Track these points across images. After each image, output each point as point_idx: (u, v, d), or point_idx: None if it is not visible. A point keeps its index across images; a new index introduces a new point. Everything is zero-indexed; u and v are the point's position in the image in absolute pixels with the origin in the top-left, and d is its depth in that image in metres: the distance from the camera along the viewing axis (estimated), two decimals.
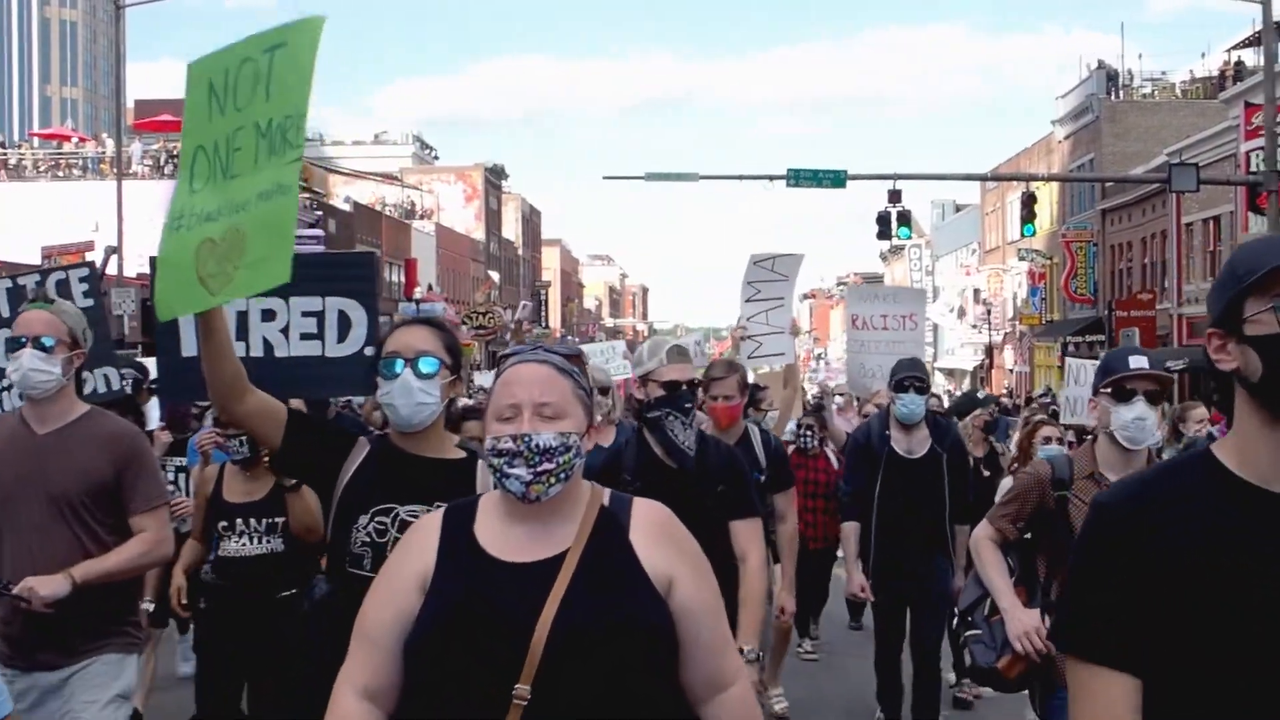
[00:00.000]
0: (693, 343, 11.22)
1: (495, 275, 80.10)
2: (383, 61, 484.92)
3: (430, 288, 59.29)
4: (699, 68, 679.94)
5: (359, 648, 2.82)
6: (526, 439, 2.74)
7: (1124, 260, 50.15)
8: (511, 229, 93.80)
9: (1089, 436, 14.59)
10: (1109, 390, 4.81)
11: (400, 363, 3.79)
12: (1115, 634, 2.26)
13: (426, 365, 3.80)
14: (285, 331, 5.05)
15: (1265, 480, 2.27)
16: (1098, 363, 11.84)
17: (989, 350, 65.79)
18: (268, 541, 6.55)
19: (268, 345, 5.05)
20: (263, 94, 3.52)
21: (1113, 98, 53.91)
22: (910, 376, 8.00)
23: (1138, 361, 4.81)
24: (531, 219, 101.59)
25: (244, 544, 6.55)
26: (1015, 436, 10.25)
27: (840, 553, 9.97)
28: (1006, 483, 8.33)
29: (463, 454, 3.94)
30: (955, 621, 5.49)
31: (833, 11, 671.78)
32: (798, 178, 29.91)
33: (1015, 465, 8.65)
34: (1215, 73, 51.84)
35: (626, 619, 2.68)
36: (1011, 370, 63.01)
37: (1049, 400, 35.77)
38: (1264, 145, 28.77)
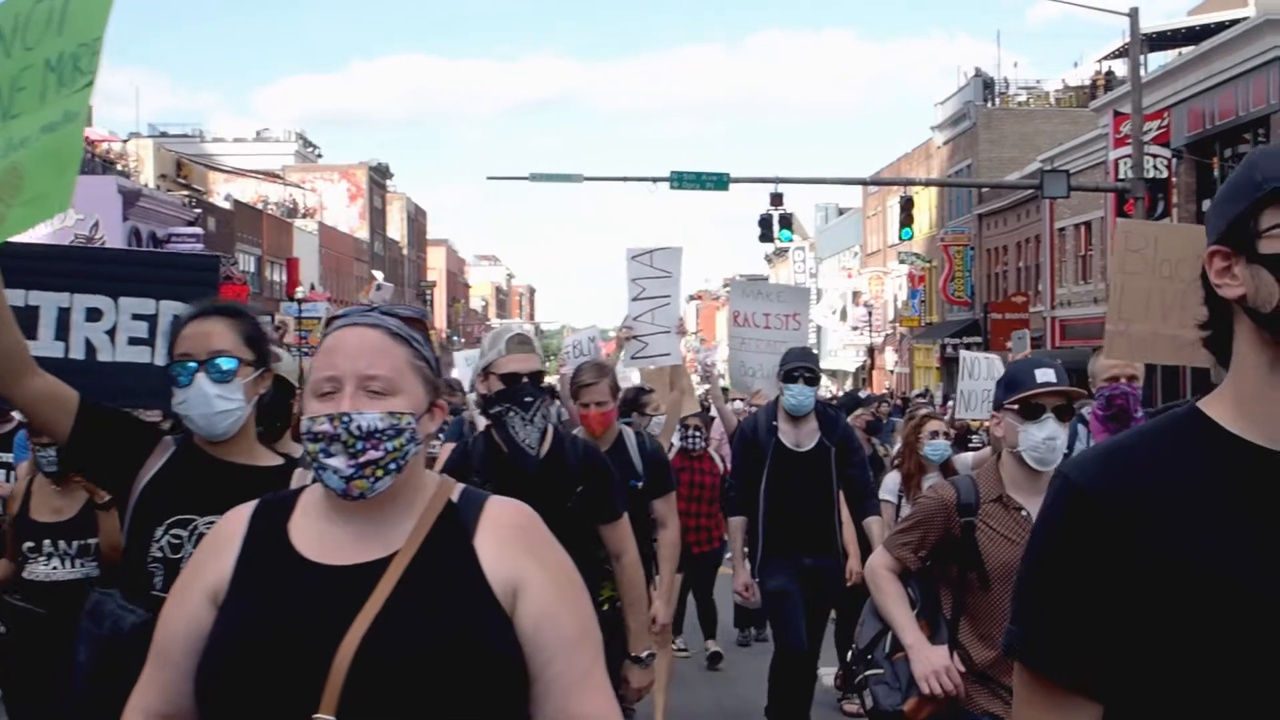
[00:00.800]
0: (586, 339, 10.81)
1: (379, 275, 79.28)
2: (266, 58, 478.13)
3: (313, 287, 58.68)
4: (587, 69, 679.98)
5: (151, 666, 2.39)
6: (346, 420, 2.25)
7: (1000, 264, 51.28)
8: (396, 228, 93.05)
9: (971, 436, 14.48)
10: (1015, 407, 4.39)
11: (192, 366, 3.35)
12: (1095, 650, 1.83)
13: (223, 365, 3.37)
14: (111, 334, 4.42)
15: (1275, 440, 1.82)
16: (991, 357, 11.17)
17: (870, 352, 66.83)
18: (80, 565, 5.87)
19: (90, 348, 4.38)
20: (55, 29, 3.22)
21: (989, 105, 55.12)
22: (800, 367, 7.71)
23: (1045, 375, 4.39)
24: (417, 218, 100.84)
25: (54, 567, 5.86)
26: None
27: (729, 555, 9.69)
28: (890, 479, 8.51)
29: (279, 459, 3.55)
30: (851, 657, 4.93)
31: (722, 15, 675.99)
32: (681, 180, 30.13)
33: (899, 461, 8.56)
34: (1088, 82, 53.24)
35: (453, 637, 2.18)
36: (892, 371, 64.05)
37: (926, 401, 36.59)
38: (1131, 153, 29.66)
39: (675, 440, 10.28)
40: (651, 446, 6.84)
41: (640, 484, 6.54)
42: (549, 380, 10.02)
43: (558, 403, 9.14)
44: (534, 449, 4.96)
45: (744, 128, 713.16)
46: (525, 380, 4.95)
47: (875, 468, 9.77)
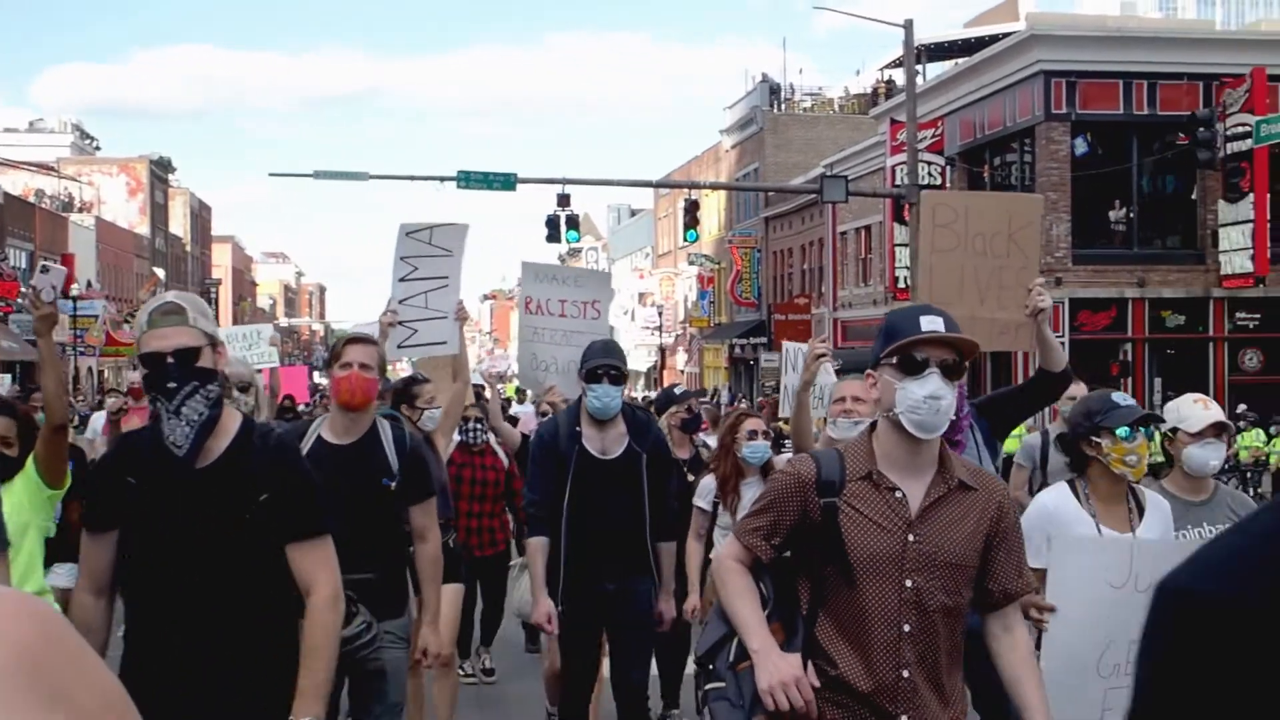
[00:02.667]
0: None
1: (161, 272, 76.89)
2: (40, 45, 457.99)
3: (89, 284, 56.54)
4: (381, 65, 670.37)
5: None
6: None
7: (786, 266, 52.45)
8: (179, 224, 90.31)
9: (785, 441, 13.27)
10: (893, 360, 3.61)
11: None
12: None
13: None
14: None
15: None
16: (802, 347, 9.51)
17: (661, 352, 67.55)
18: None
19: None
20: None
21: (775, 111, 56.33)
22: (604, 364, 6.68)
23: (931, 323, 3.61)
24: (201, 214, 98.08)
25: None
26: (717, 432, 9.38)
27: (514, 561, 9.14)
28: (705, 484, 7.79)
29: None
30: (695, 669, 4.03)
31: (518, 14, 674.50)
32: (468, 180, 29.98)
33: (716, 464, 7.82)
34: (869, 90, 54.84)
35: None
36: (683, 371, 64.84)
37: (715, 402, 37.27)
38: (907, 160, 30.67)
39: (455, 435, 9.39)
40: (411, 443, 5.85)
41: (393, 484, 5.64)
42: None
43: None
44: (181, 446, 3.78)
45: (538, 128, 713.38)
46: (171, 360, 3.79)
47: (699, 470, 8.93)
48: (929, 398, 3.52)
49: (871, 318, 40.61)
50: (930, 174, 33.68)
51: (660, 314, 66.16)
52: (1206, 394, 7.78)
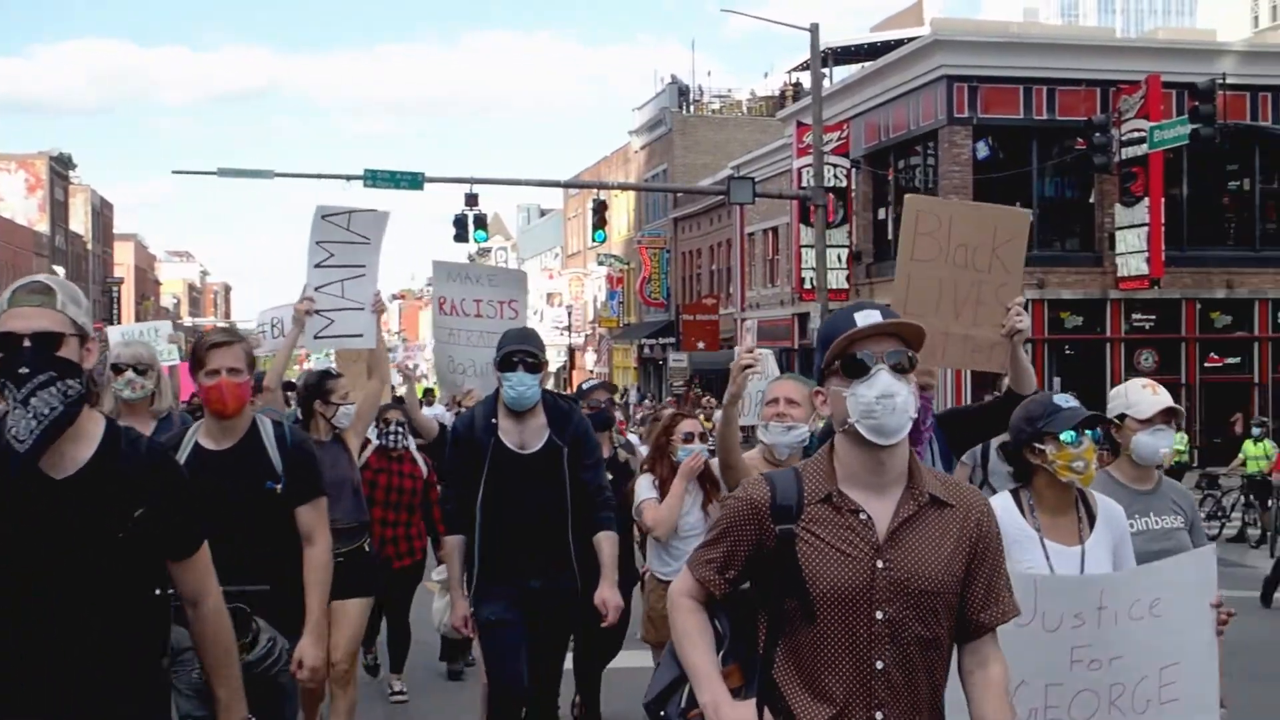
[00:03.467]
0: (287, 316, 9.23)
1: (61, 270, 75.49)
2: None
3: None
4: (287, 62, 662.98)
5: None
6: None
7: (694, 266, 52.69)
8: (80, 222, 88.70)
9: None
10: (836, 367, 3.31)
11: None
12: None
13: None
14: None
15: None
16: (766, 352, 9.09)
17: (571, 352, 67.53)
18: None
19: None
20: None
21: (684, 112, 56.58)
22: (519, 351, 6.32)
23: (866, 316, 3.31)
24: (103, 212, 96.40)
25: None
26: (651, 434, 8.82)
27: (436, 576, 8.76)
28: (642, 484, 7.42)
29: None
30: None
31: (435, 12, 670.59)
32: (375, 178, 29.79)
33: (648, 466, 7.50)
34: (777, 92, 55.29)
35: None
36: (592, 371, 64.87)
37: (625, 402, 37.36)
38: (813, 163, 30.98)
39: (372, 437, 8.96)
40: (294, 439, 5.42)
41: (278, 486, 5.24)
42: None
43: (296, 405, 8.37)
44: (23, 441, 3.27)
45: (447, 127, 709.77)
46: (27, 343, 3.32)
47: (618, 473, 8.39)
48: (881, 398, 3.18)
49: (779, 318, 40.98)
50: (836, 176, 34.11)
51: (569, 314, 66.17)
52: (1102, 394, 7.46)
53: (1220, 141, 23.13)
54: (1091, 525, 4.57)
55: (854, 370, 3.25)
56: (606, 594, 6.45)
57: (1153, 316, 31.28)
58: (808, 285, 34.25)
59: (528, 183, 33.50)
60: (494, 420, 6.39)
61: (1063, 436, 4.46)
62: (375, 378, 7.94)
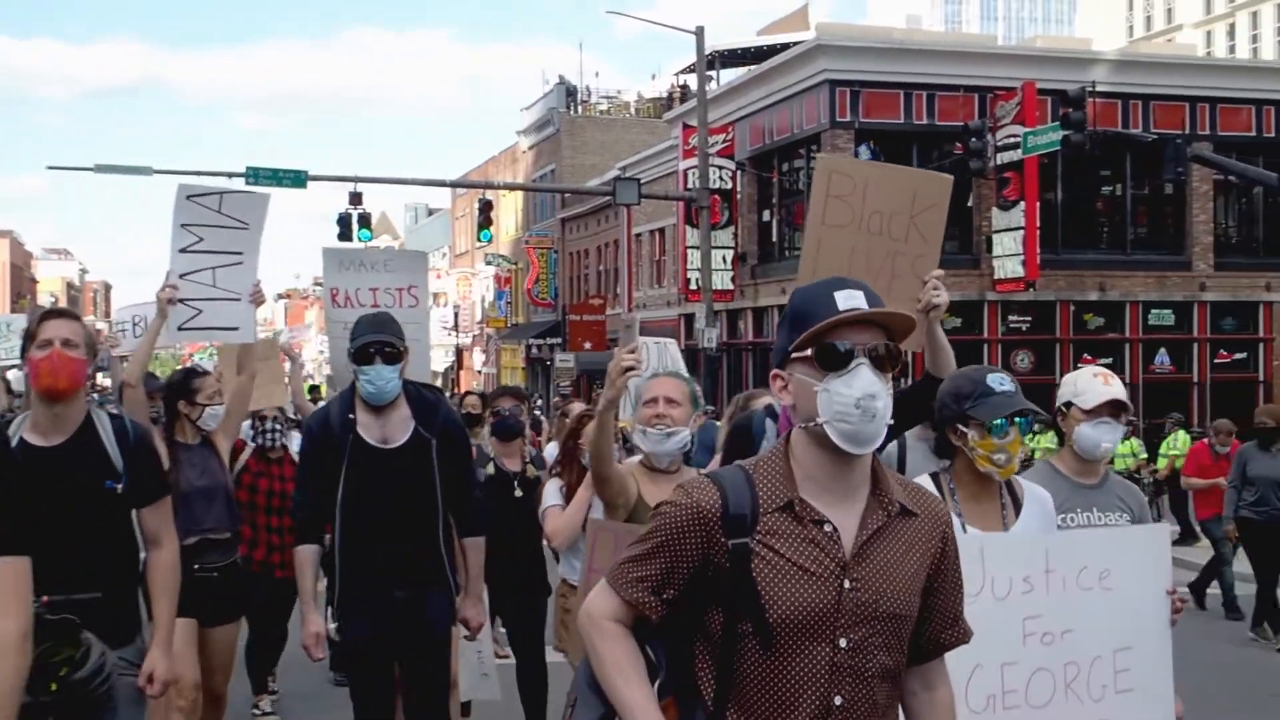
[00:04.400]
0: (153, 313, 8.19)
1: None
2: None
3: None
4: (167, 56, 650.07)
5: None
6: None
7: (582, 267, 52.77)
8: None
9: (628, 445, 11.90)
10: (807, 353, 2.82)
11: None
12: None
13: None
14: None
15: None
16: (662, 341, 8.05)
17: (459, 352, 67.25)
18: None
19: None
20: None
21: (572, 113, 56.64)
22: (375, 342, 5.68)
23: (849, 298, 2.81)
24: None
25: None
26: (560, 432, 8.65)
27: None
28: (549, 489, 6.94)
29: None
30: None
31: (314, 8, 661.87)
32: (257, 176, 29.44)
33: (558, 470, 7.03)
34: (665, 94, 55.56)
35: None
36: (480, 372, 64.68)
37: (535, 412, 37.20)
38: (698, 164, 31.20)
39: (248, 438, 8.62)
40: (135, 434, 4.90)
41: (118, 486, 4.77)
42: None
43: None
44: None
45: (333, 125, 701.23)
46: None
47: (531, 489, 7.95)
48: (862, 399, 2.72)
49: (666, 319, 41.18)
50: (721, 178, 34.38)
51: (456, 314, 65.86)
52: None
53: (1091, 148, 23.76)
54: (1017, 512, 4.25)
55: (831, 361, 2.77)
56: (469, 612, 5.97)
57: (1028, 318, 31.99)
58: (693, 286, 34.46)
59: (413, 182, 33.31)
60: (351, 415, 5.72)
61: (989, 424, 4.10)
62: (245, 373, 7.45)
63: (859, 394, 2.73)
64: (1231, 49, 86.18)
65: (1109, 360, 32.41)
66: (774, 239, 35.83)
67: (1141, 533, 4.46)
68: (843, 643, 2.76)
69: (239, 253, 7.28)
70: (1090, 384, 4.72)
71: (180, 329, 7.19)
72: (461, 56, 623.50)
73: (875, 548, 2.82)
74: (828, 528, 2.79)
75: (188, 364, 8.06)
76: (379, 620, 5.64)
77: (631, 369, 4.59)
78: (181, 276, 7.06)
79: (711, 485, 2.86)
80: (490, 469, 8.09)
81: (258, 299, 7.31)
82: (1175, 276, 33.11)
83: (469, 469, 6.12)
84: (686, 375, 5.65)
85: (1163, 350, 32.66)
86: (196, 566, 6.69)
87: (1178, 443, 20.04)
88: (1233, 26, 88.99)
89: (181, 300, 7.03)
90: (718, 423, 11.13)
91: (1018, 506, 4.27)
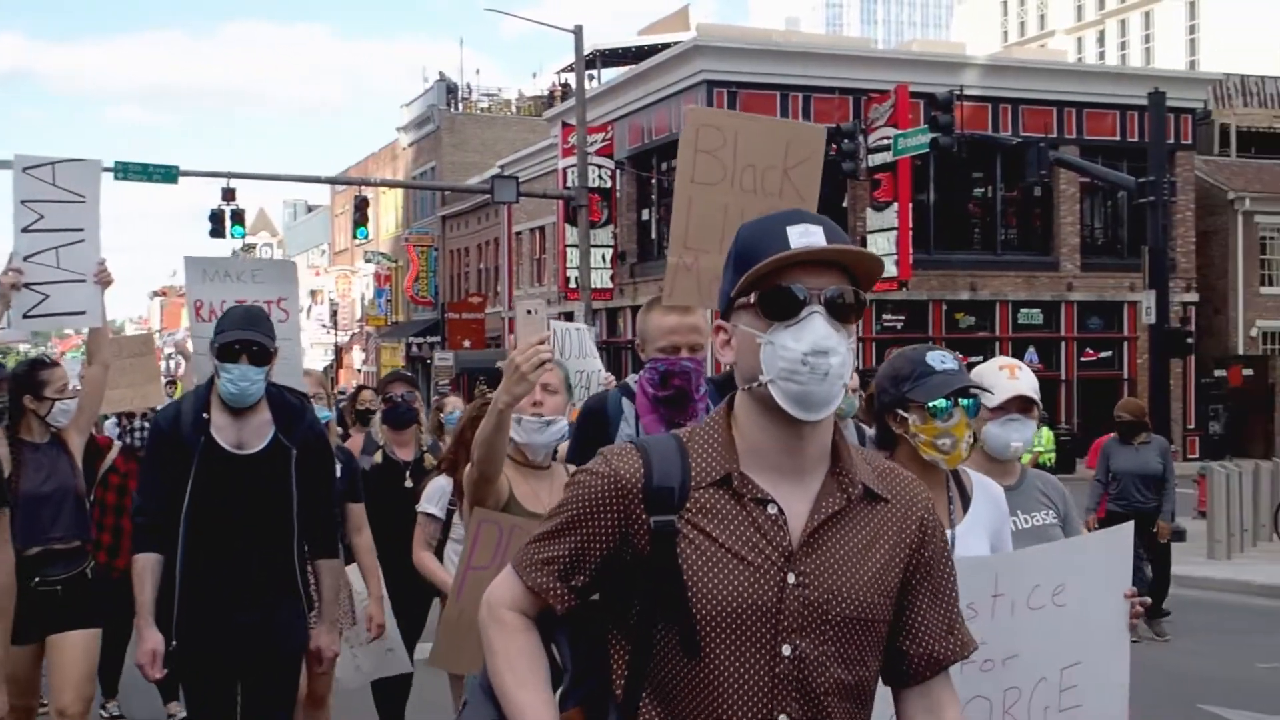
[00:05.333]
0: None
1: None
2: None
3: None
4: (35, 47, 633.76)
5: None
6: None
7: (462, 265, 52.56)
8: None
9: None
10: (750, 299, 2.36)
11: None
12: None
13: None
14: None
15: None
16: (581, 327, 7.53)
17: (338, 350, 66.54)
18: None
19: None
20: None
21: (452, 110, 56.37)
22: (242, 339, 5.18)
23: (804, 234, 2.35)
24: None
25: None
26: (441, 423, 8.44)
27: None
28: (432, 489, 6.36)
29: None
30: None
31: (191, 2, 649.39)
32: (126, 171, 28.79)
33: (446, 462, 6.36)
34: (546, 92, 55.55)
35: None
36: (360, 370, 64.05)
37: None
38: (577, 163, 31.25)
39: (113, 436, 8.02)
40: None
41: None
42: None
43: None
44: None
45: (208, 120, 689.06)
46: None
47: (423, 477, 7.36)
48: (811, 355, 2.26)
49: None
50: (601, 177, 34.48)
51: (335, 312, 65.20)
52: None
53: (959, 150, 24.24)
54: (965, 507, 3.84)
55: (778, 308, 2.30)
56: (322, 639, 5.49)
57: (901, 317, 32.58)
58: (572, 285, 34.50)
59: (287, 178, 33.05)
60: (205, 415, 5.20)
61: (930, 405, 3.67)
62: (96, 363, 6.77)
63: (808, 348, 2.25)
64: (1101, 55, 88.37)
65: (979, 358, 33.12)
66: (653, 237, 36.00)
67: (1102, 540, 4.10)
68: (786, 650, 2.27)
69: (79, 229, 6.67)
70: (996, 378, 4.34)
71: (25, 316, 6.58)
72: (344, 52, 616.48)
73: (829, 536, 2.32)
74: (771, 509, 2.30)
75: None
76: (221, 642, 5.12)
77: (546, 361, 3.92)
78: (26, 259, 6.49)
79: (634, 452, 2.40)
80: (379, 457, 7.66)
81: (103, 279, 6.62)
82: (1043, 277, 33.98)
83: (329, 485, 5.57)
84: (559, 361, 5.12)
85: (1032, 348, 33.44)
86: (37, 580, 6.04)
87: (1042, 439, 20.53)
88: (1102, 33, 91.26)
89: (27, 285, 6.44)
90: None
91: (966, 501, 3.85)
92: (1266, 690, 9.75)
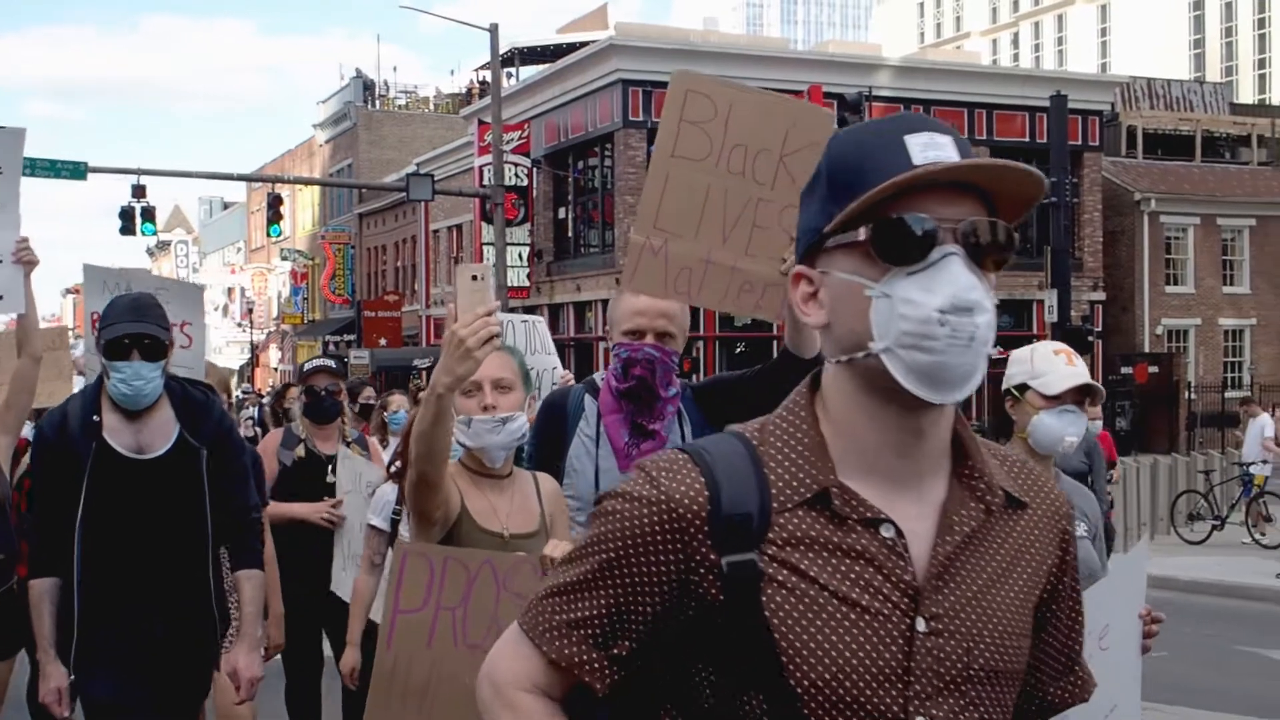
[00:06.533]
0: None
1: None
2: None
3: None
4: None
5: None
6: None
7: (380, 263, 52.29)
8: None
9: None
10: (859, 236, 1.67)
11: None
12: None
13: None
14: None
15: None
16: (529, 319, 6.81)
17: (254, 348, 65.94)
18: None
19: None
20: None
21: (369, 107, 56.08)
22: (130, 334, 4.52)
23: (932, 147, 1.66)
24: None
25: None
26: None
27: None
28: (381, 495, 5.66)
29: None
30: None
31: None
32: (34, 167, 28.34)
33: (396, 467, 5.39)
34: (464, 90, 55.42)
35: None
36: (276, 369, 63.49)
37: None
38: (493, 161, 31.23)
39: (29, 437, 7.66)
40: None
41: None
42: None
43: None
44: None
45: (129, 114, 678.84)
46: None
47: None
48: (951, 310, 1.60)
49: None
50: (517, 175, 34.46)
51: (251, 310, 64.64)
52: None
53: None
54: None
55: (899, 247, 1.64)
56: (240, 660, 4.81)
57: None
58: None
59: (199, 175, 32.70)
60: (96, 418, 4.58)
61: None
62: (25, 354, 5.97)
63: (944, 302, 1.60)
64: (1016, 57, 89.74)
65: None
66: (570, 235, 36.06)
67: (1123, 567, 3.77)
68: None
69: None
70: (1052, 364, 3.78)
71: None
72: (266, 47, 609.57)
73: (965, 562, 1.71)
74: (886, 532, 1.67)
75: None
76: (132, 671, 4.57)
77: (496, 336, 3.19)
78: None
79: (689, 465, 1.71)
80: (301, 451, 7.16)
81: (23, 258, 5.78)
82: None
83: (247, 484, 4.93)
84: (512, 348, 4.32)
85: None
86: None
87: None
88: (1017, 36, 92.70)
89: None
90: None
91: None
92: (1162, 682, 10.01)
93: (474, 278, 3.14)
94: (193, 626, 4.69)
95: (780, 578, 1.66)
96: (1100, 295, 35.48)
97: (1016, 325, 35.18)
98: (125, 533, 4.54)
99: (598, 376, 4.25)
